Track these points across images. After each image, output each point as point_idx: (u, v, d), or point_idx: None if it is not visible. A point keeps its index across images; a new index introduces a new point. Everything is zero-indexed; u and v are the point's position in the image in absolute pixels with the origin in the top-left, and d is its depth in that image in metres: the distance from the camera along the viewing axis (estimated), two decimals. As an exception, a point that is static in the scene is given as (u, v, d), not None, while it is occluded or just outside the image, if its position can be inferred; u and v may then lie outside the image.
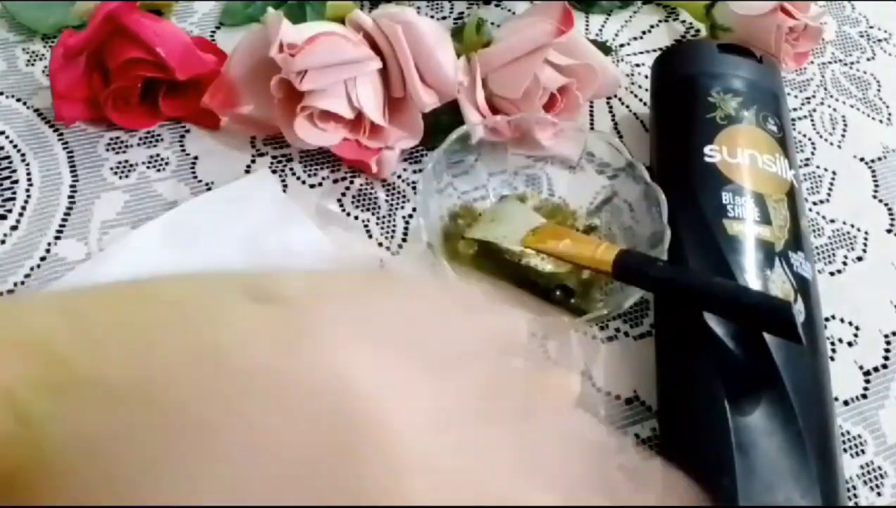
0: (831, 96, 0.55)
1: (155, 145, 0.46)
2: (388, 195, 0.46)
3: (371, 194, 0.46)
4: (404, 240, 0.44)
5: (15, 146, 0.45)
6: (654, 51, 0.55)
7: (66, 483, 0.20)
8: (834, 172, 0.51)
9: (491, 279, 0.41)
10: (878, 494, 0.38)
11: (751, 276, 0.37)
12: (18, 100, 0.47)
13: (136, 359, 0.20)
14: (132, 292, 0.23)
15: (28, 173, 0.44)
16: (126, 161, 0.45)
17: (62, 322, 0.22)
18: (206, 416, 0.19)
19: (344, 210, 0.45)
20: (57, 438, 0.20)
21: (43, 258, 0.41)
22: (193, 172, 0.45)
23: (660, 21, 0.58)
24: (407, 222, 0.45)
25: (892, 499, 0.38)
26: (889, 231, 0.48)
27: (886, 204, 0.50)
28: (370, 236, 0.44)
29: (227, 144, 0.47)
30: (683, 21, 0.58)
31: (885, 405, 0.41)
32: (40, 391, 0.20)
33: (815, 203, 0.49)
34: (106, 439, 0.20)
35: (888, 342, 0.43)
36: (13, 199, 0.43)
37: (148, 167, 0.45)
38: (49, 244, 0.41)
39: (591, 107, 0.52)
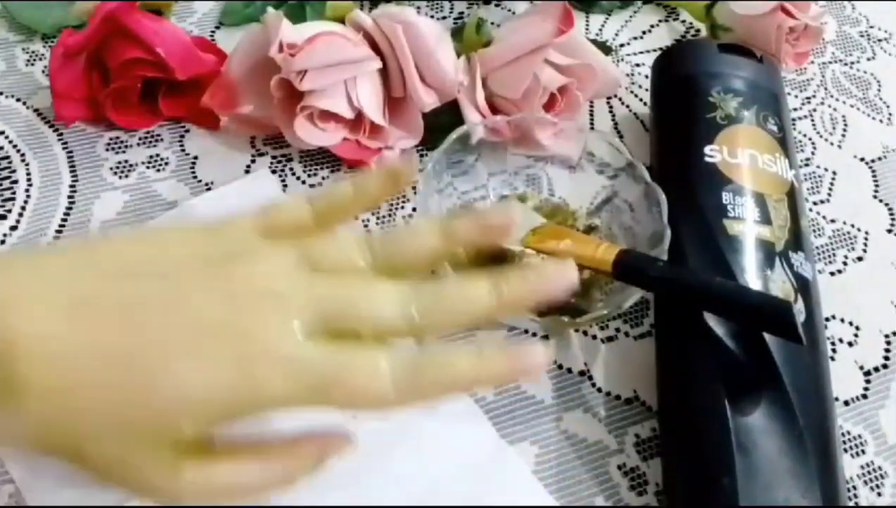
0: (832, 96, 0.55)
1: (154, 145, 0.46)
2: (388, 195, 0.46)
3: (371, 193, 0.46)
4: (404, 240, 0.44)
5: (14, 146, 0.45)
6: (655, 50, 0.55)
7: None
8: (834, 172, 0.51)
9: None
10: (879, 494, 0.38)
11: (751, 276, 0.37)
12: (18, 100, 0.47)
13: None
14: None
15: (28, 173, 0.44)
16: (126, 161, 0.45)
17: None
18: None
19: (344, 210, 0.45)
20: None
21: (42, 258, 0.41)
22: (193, 173, 0.45)
23: (660, 21, 0.58)
24: (407, 223, 0.45)
25: (893, 499, 0.38)
26: (889, 231, 0.48)
27: (887, 204, 0.50)
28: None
29: (227, 144, 0.47)
30: (684, 21, 0.58)
31: (886, 405, 0.41)
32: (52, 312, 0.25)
33: (815, 203, 0.49)
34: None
35: (888, 343, 0.43)
36: (13, 199, 0.43)
37: (147, 167, 0.45)
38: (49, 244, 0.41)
39: (592, 107, 0.52)
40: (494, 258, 0.42)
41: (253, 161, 0.46)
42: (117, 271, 0.26)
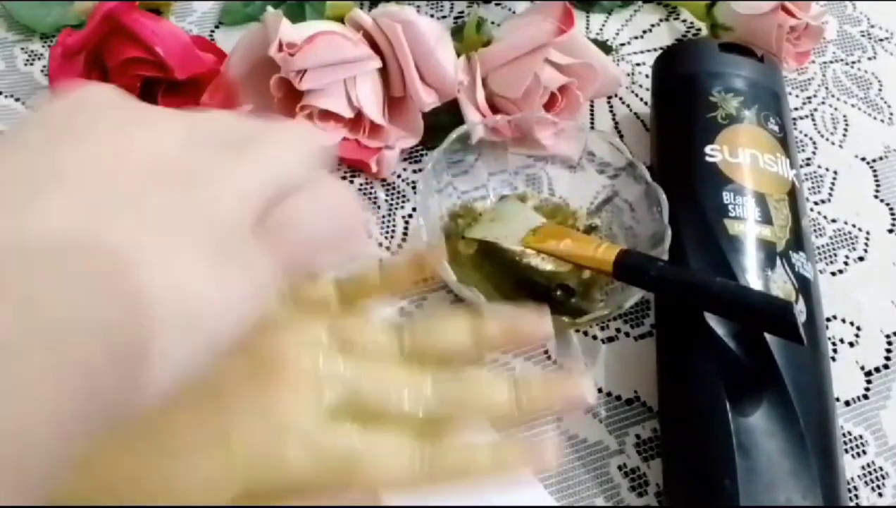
0: (832, 96, 0.55)
1: (154, 145, 0.46)
2: (387, 195, 0.46)
3: (371, 193, 0.46)
4: (404, 240, 0.44)
5: (13, 146, 0.45)
6: (655, 50, 0.55)
7: None
8: (835, 172, 0.51)
9: (491, 279, 0.41)
10: (880, 495, 0.38)
11: (752, 276, 0.37)
12: (17, 99, 0.47)
13: None
14: None
15: (27, 173, 0.44)
16: (125, 161, 0.45)
17: None
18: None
19: (343, 210, 0.45)
20: None
21: (41, 258, 0.41)
22: (192, 172, 0.45)
23: (660, 20, 0.58)
24: (407, 222, 0.45)
25: (894, 500, 0.38)
26: (890, 231, 0.48)
27: (888, 204, 0.49)
28: (370, 236, 0.44)
29: (227, 143, 0.46)
30: (684, 20, 0.58)
31: (887, 405, 0.41)
32: None
33: (816, 203, 0.49)
34: None
35: (889, 343, 0.43)
36: (12, 198, 0.43)
37: (147, 167, 0.45)
38: (48, 244, 0.41)
39: (592, 106, 0.51)
40: (494, 258, 0.42)
41: (252, 161, 0.46)
42: None
